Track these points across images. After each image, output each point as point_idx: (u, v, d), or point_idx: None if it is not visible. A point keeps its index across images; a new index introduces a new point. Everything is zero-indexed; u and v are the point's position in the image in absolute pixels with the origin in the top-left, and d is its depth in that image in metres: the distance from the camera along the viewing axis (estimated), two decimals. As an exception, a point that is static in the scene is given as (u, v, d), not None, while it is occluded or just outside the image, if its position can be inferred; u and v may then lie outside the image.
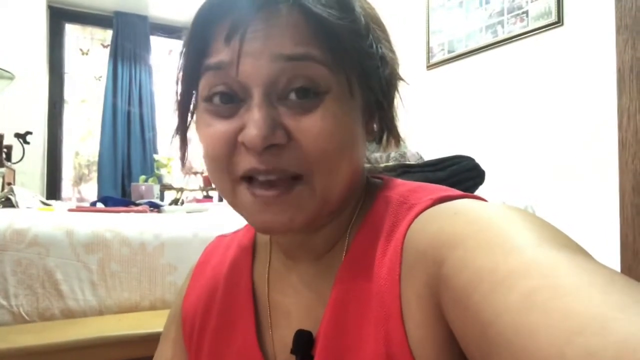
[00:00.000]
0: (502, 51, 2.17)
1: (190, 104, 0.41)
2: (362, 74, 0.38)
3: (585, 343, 0.19)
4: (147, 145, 3.95)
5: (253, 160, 0.35)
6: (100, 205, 1.66)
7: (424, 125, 2.54)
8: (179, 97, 0.41)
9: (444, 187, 0.40)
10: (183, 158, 0.44)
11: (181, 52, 0.39)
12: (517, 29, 2.08)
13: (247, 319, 0.44)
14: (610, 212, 1.52)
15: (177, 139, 0.43)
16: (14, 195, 1.51)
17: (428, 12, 2.61)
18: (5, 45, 3.17)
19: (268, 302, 0.44)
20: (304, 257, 0.43)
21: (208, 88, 0.37)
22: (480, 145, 2.19)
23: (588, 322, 0.20)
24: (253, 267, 0.48)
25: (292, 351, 0.39)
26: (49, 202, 1.81)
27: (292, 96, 0.35)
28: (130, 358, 0.89)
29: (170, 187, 3.21)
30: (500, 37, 2.16)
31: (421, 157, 1.20)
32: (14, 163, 2.76)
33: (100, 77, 4.01)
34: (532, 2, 2.01)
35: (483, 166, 1.08)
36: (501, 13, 2.16)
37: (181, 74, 0.39)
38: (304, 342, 0.39)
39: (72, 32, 3.98)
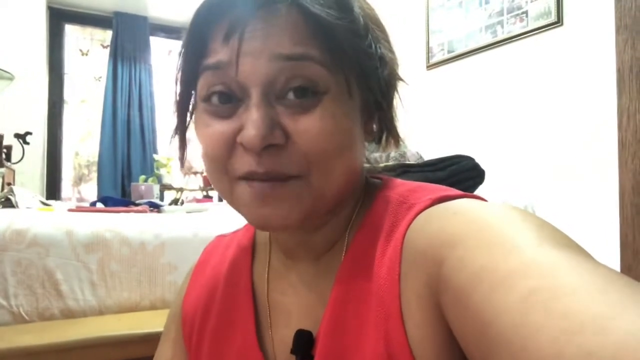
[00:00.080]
0: (502, 51, 2.17)
1: (189, 104, 0.41)
2: (360, 74, 0.38)
3: (584, 343, 0.19)
4: (147, 146, 3.95)
5: (252, 162, 0.35)
6: (100, 205, 1.66)
7: (424, 125, 2.54)
8: (177, 98, 0.41)
9: (444, 186, 0.40)
10: (182, 158, 0.44)
11: (180, 53, 0.39)
12: (517, 29, 2.08)
13: (247, 319, 0.44)
14: (610, 212, 1.52)
15: (177, 140, 0.43)
16: (14, 195, 1.50)
17: (428, 12, 2.61)
18: (5, 45, 3.17)
19: (268, 302, 0.44)
20: (304, 256, 0.43)
21: (206, 88, 0.37)
22: (480, 145, 2.19)
23: (587, 322, 0.20)
24: (253, 266, 0.48)
25: (292, 351, 0.39)
26: (48, 202, 1.81)
27: (291, 96, 0.35)
28: (131, 358, 0.89)
29: (170, 187, 3.21)
30: (500, 37, 2.16)
31: (421, 157, 1.20)
32: (14, 163, 2.76)
33: (100, 77, 4.01)
34: (531, 2, 2.01)
35: (483, 166, 1.08)
36: (501, 13, 2.16)
37: (180, 74, 0.39)
38: (304, 342, 0.39)
39: (72, 33, 3.98)
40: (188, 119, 0.42)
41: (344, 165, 0.37)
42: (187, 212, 1.47)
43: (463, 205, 0.34)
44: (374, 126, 0.42)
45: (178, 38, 0.41)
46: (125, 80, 3.91)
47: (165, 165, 3.24)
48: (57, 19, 3.80)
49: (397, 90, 0.43)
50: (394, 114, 0.43)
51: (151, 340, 0.69)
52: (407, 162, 1.10)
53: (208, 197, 3.07)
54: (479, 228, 0.29)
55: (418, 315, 0.32)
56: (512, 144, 2.09)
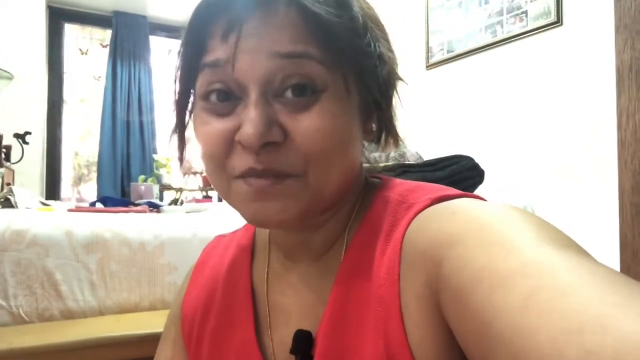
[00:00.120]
0: (502, 51, 2.17)
1: (188, 102, 0.41)
2: (359, 73, 0.38)
3: (584, 342, 0.19)
4: (147, 146, 3.95)
5: (250, 160, 0.35)
6: (99, 205, 1.66)
7: (424, 125, 2.54)
8: (177, 96, 0.41)
9: (443, 186, 0.40)
10: (181, 157, 0.44)
11: (179, 51, 0.39)
12: (517, 28, 2.08)
13: (246, 319, 0.44)
14: (609, 212, 1.52)
15: (176, 139, 0.43)
16: (13, 195, 1.50)
17: (427, 12, 2.61)
18: (4, 45, 3.17)
19: (267, 302, 0.44)
20: (303, 256, 0.43)
21: (205, 86, 0.37)
22: (480, 144, 2.19)
23: (587, 322, 0.20)
24: (252, 267, 0.48)
25: (292, 351, 0.39)
26: (48, 202, 1.81)
27: (289, 94, 0.35)
28: (130, 359, 0.89)
29: (169, 187, 3.21)
30: (500, 37, 2.16)
31: (420, 157, 1.20)
32: (13, 163, 2.75)
33: (100, 77, 4.01)
34: (531, 2, 2.01)
35: (482, 166, 1.08)
36: (500, 13, 2.16)
37: (179, 72, 0.39)
38: (303, 342, 0.39)
39: (72, 32, 3.98)
40: (187, 117, 0.42)
41: (342, 163, 0.37)
42: (187, 212, 1.47)
43: (462, 204, 0.34)
44: (373, 125, 0.42)
45: (177, 37, 0.41)
46: (124, 80, 3.91)
47: (164, 166, 3.24)
48: (57, 18, 3.80)
49: (396, 90, 0.43)
50: (393, 114, 0.43)
51: (151, 340, 0.69)
52: (407, 162, 1.10)
53: (207, 197, 3.07)
54: (478, 227, 0.29)
55: (417, 315, 0.32)
56: (512, 144, 2.09)
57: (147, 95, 4.01)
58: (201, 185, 3.23)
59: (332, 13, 0.35)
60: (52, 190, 3.64)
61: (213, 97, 0.37)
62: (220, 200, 2.55)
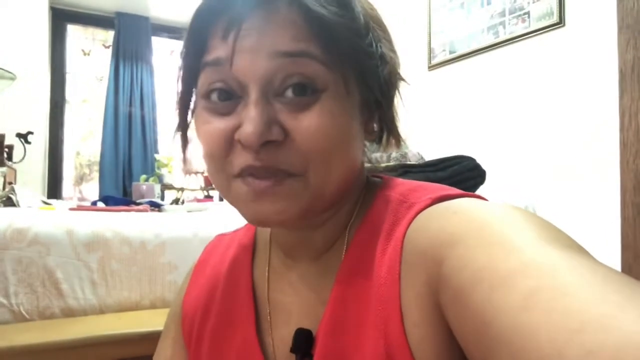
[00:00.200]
0: (504, 52, 2.17)
1: (190, 102, 0.41)
2: (360, 73, 0.38)
3: (585, 342, 0.19)
4: (148, 145, 3.96)
5: (249, 158, 0.35)
6: (101, 204, 1.66)
7: (425, 126, 2.54)
8: (179, 96, 0.41)
9: (445, 186, 0.40)
10: (185, 157, 0.44)
11: (181, 52, 0.39)
12: (519, 29, 2.07)
13: (247, 318, 0.44)
14: (610, 212, 1.52)
15: (179, 139, 0.43)
16: (15, 194, 1.51)
17: (430, 12, 2.61)
18: (7, 45, 3.18)
19: (268, 301, 0.44)
20: (304, 255, 0.43)
21: (206, 85, 0.37)
22: (481, 145, 2.18)
23: (588, 321, 0.20)
24: (253, 266, 0.48)
25: (292, 350, 0.39)
26: (49, 201, 1.82)
27: (289, 93, 0.35)
28: (130, 357, 0.89)
29: (171, 187, 3.22)
30: (502, 37, 2.16)
31: (422, 158, 1.20)
32: (16, 163, 2.76)
33: (102, 77, 4.02)
34: (533, 2, 2.01)
35: (484, 166, 1.08)
36: (503, 14, 2.16)
37: (181, 72, 0.40)
38: (303, 341, 0.39)
39: (74, 33, 3.99)
40: (190, 117, 0.42)
41: (342, 162, 0.37)
42: (188, 212, 1.47)
43: (463, 204, 0.34)
44: (375, 125, 0.42)
45: (179, 38, 0.41)
46: (126, 80, 3.92)
47: (166, 165, 3.25)
48: (60, 19, 3.81)
49: (398, 90, 0.43)
50: (395, 114, 0.43)
51: (151, 339, 0.69)
52: (408, 163, 1.10)
53: (209, 197, 3.07)
54: (479, 227, 0.29)
55: (418, 314, 0.32)
56: (514, 145, 2.08)
57: (149, 96, 4.02)
58: (202, 184, 3.24)
59: (334, 13, 0.35)
60: (54, 189, 3.65)
61: (214, 97, 0.37)
62: (221, 199, 2.56)
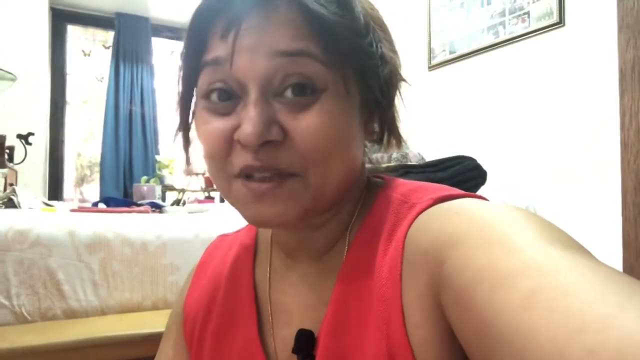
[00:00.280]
0: (504, 52, 2.17)
1: (191, 102, 0.41)
2: (360, 73, 0.38)
3: (586, 342, 0.19)
4: (149, 146, 3.96)
5: (249, 158, 0.35)
6: (102, 205, 1.66)
7: (426, 126, 2.54)
8: (180, 96, 0.41)
9: (446, 186, 0.40)
10: (187, 157, 0.45)
11: (181, 52, 0.39)
12: (519, 29, 2.07)
13: (249, 319, 0.44)
14: (611, 212, 1.52)
15: (181, 139, 0.43)
16: (16, 196, 1.51)
17: (429, 12, 2.61)
18: (7, 46, 3.18)
19: (269, 302, 0.44)
20: (305, 256, 0.43)
21: (206, 85, 0.37)
22: (482, 145, 2.18)
23: (589, 321, 0.20)
24: (254, 266, 0.48)
25: (294, 350, 0.39)
26: (50, 202, 1.82)
27: (288, 93, 0.35)
28: (132, 358, 0.89)
29: (172, 188, 3.22)
30: (502, 37, 2.16)
31: (423, 158, 1.20)
32: (16, 164, 2.76)
33: (102, 78, 4.03)
34: (533, 2, 2.01)
35: (485, 166, 1.08)
36: (503, 14, 2.16)
37: (182, 72, 0.40)
38: (305, 342, 0.39)
39: (74, 34, 4.00)
40: (190, 117, 0.42)
41: (342, 163, 0.37)
42: (189, 213, 1.48)
43: (464, 204, 0.34)
44: (375, 126, 0.42)
45: (180, 39, 0.41)
46: (127, 81, 3.92)
47: (167, 166, 3.25)
48: (60, 19, 3.81)
49: (399, 91, 0.43)
50: (395, 115, 0.43)
51: (153, 340, 0.69)
52: (409, 163, 1.10)
53: (210, 198, 3.07)
54: (480, 227, 0.29)
55: (419, 315, 0.32)
56: (514, 145, 2.08)
57: (150, 96, 4.03)
58: (203, 186, 3.24)
59: (334, 12, 0.35)
60: (55, 190, 3.65)
61: (214, 96, 0.37)
62: (222, 200, 2.56)
